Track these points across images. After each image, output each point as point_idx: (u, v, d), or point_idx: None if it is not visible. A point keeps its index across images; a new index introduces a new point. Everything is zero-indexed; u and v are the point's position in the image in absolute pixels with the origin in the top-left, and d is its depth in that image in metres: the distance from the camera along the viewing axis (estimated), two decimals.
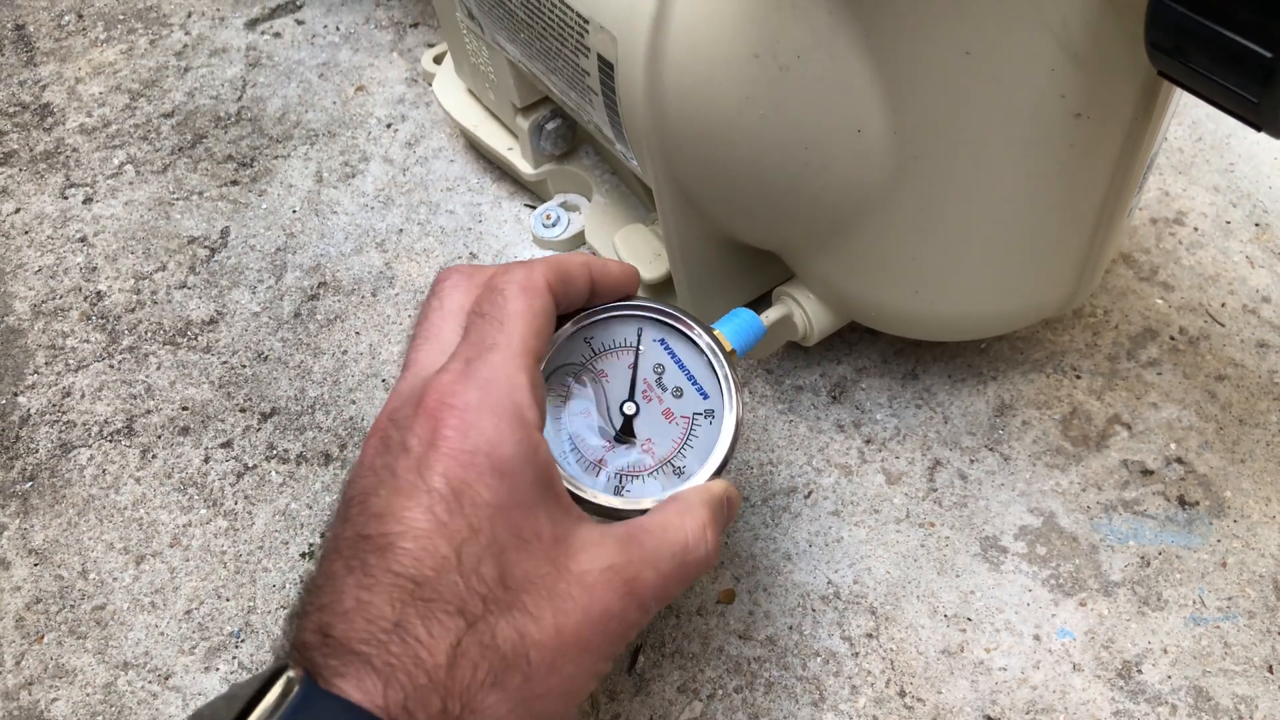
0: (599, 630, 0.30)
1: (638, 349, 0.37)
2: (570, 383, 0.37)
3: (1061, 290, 0.45)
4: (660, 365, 0.37)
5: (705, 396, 0.37)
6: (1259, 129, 0.31)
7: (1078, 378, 0.51)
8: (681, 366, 0.37)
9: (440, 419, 0.29)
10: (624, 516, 0.35)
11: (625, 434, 0.36)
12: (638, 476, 0.36)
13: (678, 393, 0.37)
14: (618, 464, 0.36)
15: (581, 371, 0.37)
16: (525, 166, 0.59)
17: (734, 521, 0.42)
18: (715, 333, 0.38)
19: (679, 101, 0.40)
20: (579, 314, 0.37)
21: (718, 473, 0.36)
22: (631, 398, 0.37)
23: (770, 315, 0.48)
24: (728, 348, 0.38)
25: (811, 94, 0.38)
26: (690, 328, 0.37)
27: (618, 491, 0.36)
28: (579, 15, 0.42)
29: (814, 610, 0.44)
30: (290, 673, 0.26)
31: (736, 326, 0.40)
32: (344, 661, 0.26)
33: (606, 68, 0.42)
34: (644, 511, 0.35)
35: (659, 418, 0.36)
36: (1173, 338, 0.53)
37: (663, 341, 0.37)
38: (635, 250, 0.54)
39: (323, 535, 0.30)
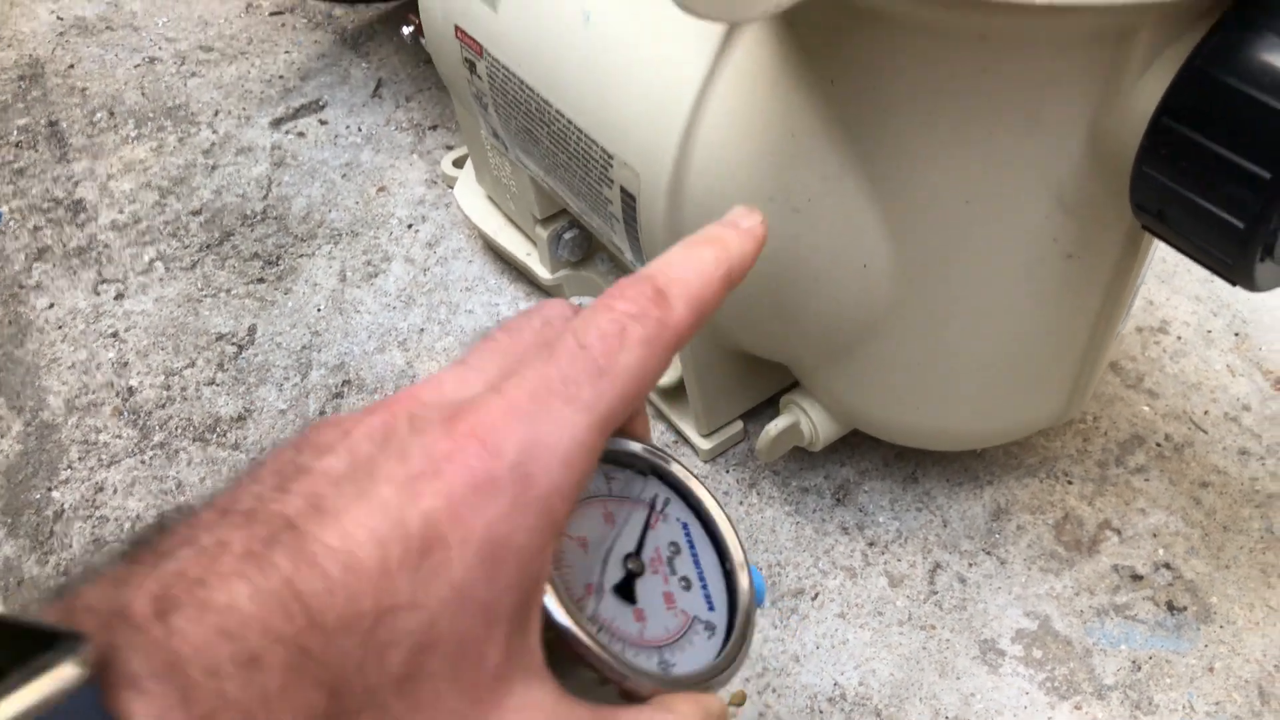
0: None
1: (653, 511, 0.32)
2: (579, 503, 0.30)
3: (1054, 407, 0.48)
4: (675, 545, 0.32)
5: (711, 608, 0.32)
6: (1233, 284, 0.34)
7: (1069, 483, 0.54)
8: (696, 563, 0.32)
9: (464, 453, 0.22)
10: (588, 660, 0.27)
11: (625, 589, 0.30)
12: (619, 639, 0.30)
13: (685, 584, 0.32)
14: (601, 613, 0.30)
15: (592, 498, 0.32)
16: (543, 272, 0.62)
17: None
18: (747, 568, 0.33)
19: None
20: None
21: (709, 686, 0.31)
22: (639, 554, 0.31)
23: (778, 424, 0.51)
24: (746, 586, 0.32)
25: (821, 233, 0.41)
26: (722, 533, 0.32)
27: (590, 634, 0.29)
28: (604, 150, 0.45)
29: (821, 712, 0.46)
30: (74, 663, 0.17)
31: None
32: (162, 677, 0.18)
33: (629, 199, 0.45)
34: (610, 663, 0.28)
35: (660, 596, 0.31)
36: (1159, 444, 0.55)
37: (685, 526, 0.33)
38: None
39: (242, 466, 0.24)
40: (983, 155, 0.37)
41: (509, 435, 0.23)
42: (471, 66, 0.52)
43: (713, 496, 0.33)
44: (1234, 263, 0.33)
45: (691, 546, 0.32)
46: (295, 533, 0.21)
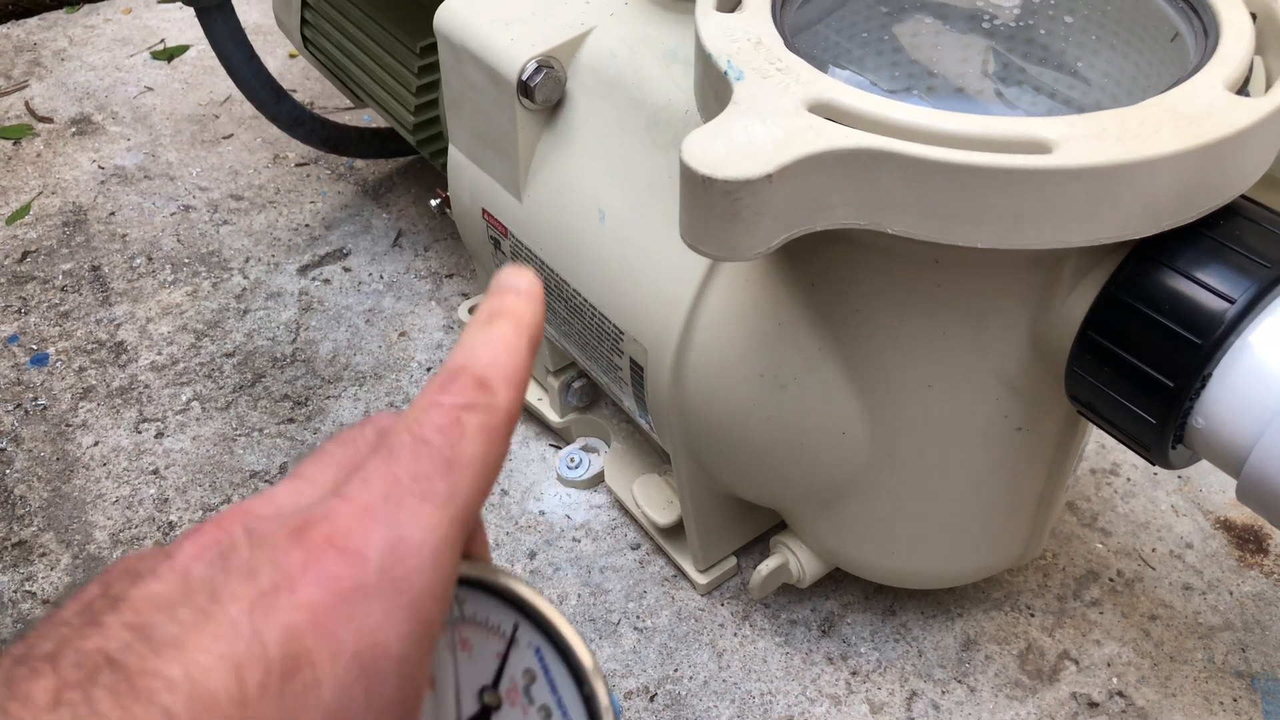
0: None
1: (511, 640, 0.31)
2: None
3: (1012, 552, 0.54)
4: (531, 672, 0.31)
5: None
6: (1153, 464, 0.41)
7: (1031, 615, 0.60)
8: (553, 689, 0.31)
9: (322, 561, 0.20)
10: None
11: None
12: None
13: (545, 712, 0.31)
14: None
15: (443, 628, 0.29)
16: (552, 415, 0.69)
17: None
18: (603, 679, 0.31)
19: (697, 403, 0.50)
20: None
21: None
22: (495, 687, 0.30)
23: (769, 564, 0.57)
24: (605, 702, 0.31)
25: (805, 406, 0.47)
26: (578, 656, 0.31)
27: None
28: (616, 326, 0.52)
29: None
30: None
31: None
32: None
33: (638, 369, 0.52)
34: None
35: None
36: (1111, 579, 0.61)
37: (538, 651, 0.31)
38: (651, 498, 0.62)
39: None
40: (939, 348, 0.44)
41: (369, 538, 0.20)
42: (496, 244, 0.59)
43: (563, 615, 0.30)
44: (1151, 448, 0.39)
45: (546, 672, 0.30)
46: (118, 669, 0.18)
